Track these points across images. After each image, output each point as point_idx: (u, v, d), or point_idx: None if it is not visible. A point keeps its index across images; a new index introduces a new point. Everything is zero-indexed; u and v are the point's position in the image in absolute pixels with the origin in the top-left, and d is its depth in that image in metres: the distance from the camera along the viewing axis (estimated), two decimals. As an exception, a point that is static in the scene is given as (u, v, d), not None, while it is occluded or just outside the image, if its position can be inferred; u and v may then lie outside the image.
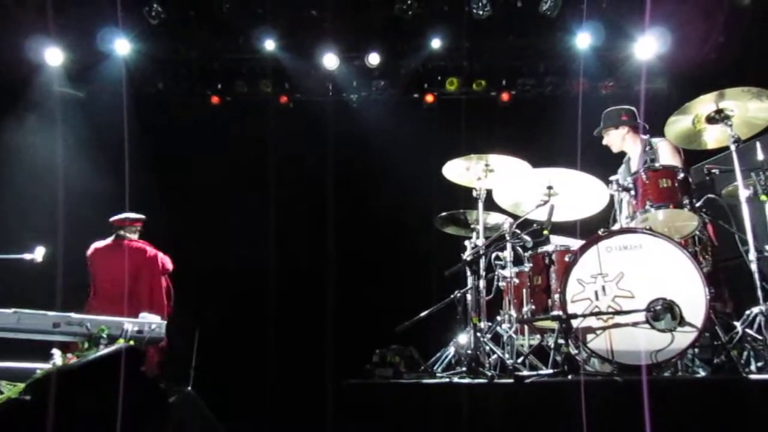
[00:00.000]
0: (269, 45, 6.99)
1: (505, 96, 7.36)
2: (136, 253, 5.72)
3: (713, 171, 4.07)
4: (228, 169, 7.17)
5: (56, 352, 4.20)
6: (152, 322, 4.59)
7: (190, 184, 7.13)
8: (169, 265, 5.86)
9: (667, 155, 4.50)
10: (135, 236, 5.85)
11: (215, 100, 7.44)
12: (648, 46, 6.71)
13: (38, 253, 4.54)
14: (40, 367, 4.13)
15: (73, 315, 4.36)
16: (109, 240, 5.77)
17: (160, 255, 5.82)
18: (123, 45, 6.83)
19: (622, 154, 4.96)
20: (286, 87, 7.44)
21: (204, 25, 6.97)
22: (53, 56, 6.83)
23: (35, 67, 6.82)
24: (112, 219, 5.82)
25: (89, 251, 5.72)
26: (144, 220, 5.92)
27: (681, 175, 3.78)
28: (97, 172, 6.64)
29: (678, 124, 3.87)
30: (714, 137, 3.91)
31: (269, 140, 7.16)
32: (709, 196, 3.92)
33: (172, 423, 4.64)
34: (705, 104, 3.72)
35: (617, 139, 4.86)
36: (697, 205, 3.79)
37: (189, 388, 5.10)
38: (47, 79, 6.94)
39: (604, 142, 4.92)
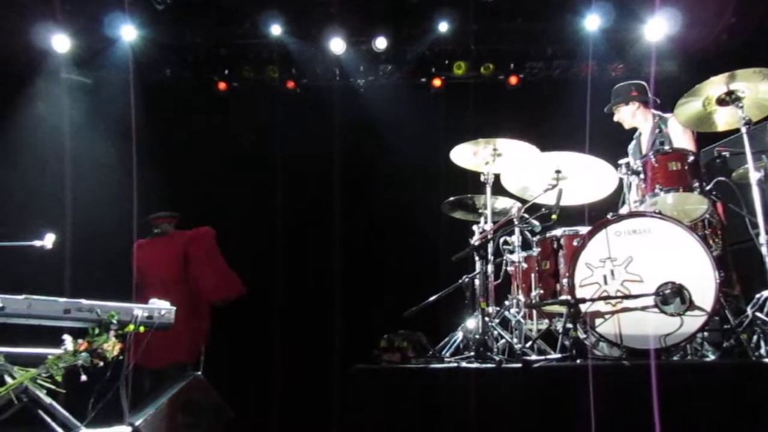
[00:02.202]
0: (275, 30, 6.95)
1: (513, 80, 7.28)
2: (177, 238, 5.89)
3: (724, 153, 4.04)
4: (235, 155, 7.16)
5: (67, 338, 4.24)
6: (161, 307, 4.62)
7: (197, 169, 7.14)
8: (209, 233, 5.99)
9: (678, 135, 4.47)
10: (171, 231, 6.01)
11: (222, 86, 7.41)
12: (658, 28, 6.62)
13: (48, 240, 4.55)
14: (51, 352, 4.18)
15: (83, 301, 4.38)
16: (149, 238, 5.91)
17: (202, 231, 5.95)
18: (129, 31, 6.81)
19: (631, 135, 4.92)
20: (292, 72, 7.39)
21: (210, 10, 6.93)
22: (60, 43, 6.81)
23: (43, 54, 6.81)
24: (149, 217, 5.97)
25: (134, 248, 5.86)
26: (179, 216, 6.06)
27: (691, 158, 3.75)
28: (104, 158, 6.67)
29: (688, 106, 3.83)
30: (725, 119, 3.87)
31: (276, 125, 7.15)
32: (720, 179, 3.89)
33: (183, 408, 4.70)
34: (715, 86, 3.67)
35: (628, 115, 4.83)
36: (708, 188, 3.76)
37: (199, 373, 5.15)
38: (55, 65, 6.93)
39: (615, 118, 4.90)
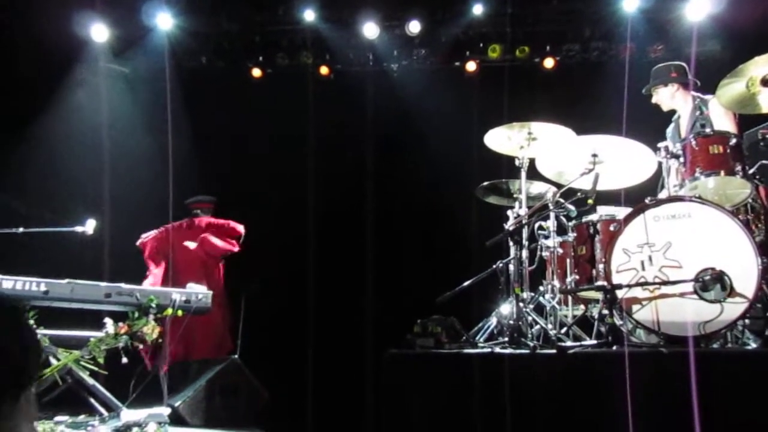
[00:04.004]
0: (309, 15, 6.95)
1: (549, 63, 7.16)
2: (203, 226, 6.05)
3: (768, 136, 3.91)
4: (269, 141, 7.21)
5: (108, 321, 4.36)
6: (199, 292, 4.71)
7: (233, 156, 7.21)
8: (239, 229, 6.10)
9: (719, 117, 4.34)
10: (208, 216, 6.13)
11: (256, 72, 7.46)
12: (700, 6, 6.41)
13: (89, 226, 4.67)
14: (93, 335, 4.31)
15: (123, 285, 4.50)
16: (184, 221, 6.06)
17: (231, 223, 6.05)
18: (165, 19, 6.89)
19: (670, 118, 4.81)
20: (326, 58, 7.40)
21: (244, -3, 7.00)
22: (99, 32, 6.94)
23: (82, 44, 6.94)
24: (187, 201, 6.11)
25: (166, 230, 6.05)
26: (216, 201, 6.18)
27: (733, 141, 3.64)
28: (142, 145, 6.78)
29: (730, 88, 3.72)
30: (769, 101, 3.74)
31: (310, 111, 7.16)
32: (763, 162, 3.77)
33: (221, 390, 4.81)
34: (760, 66, 3.56)
35: (667, 97, 4.70)
36: (750, 171, 3.65)
37: (236, 356, 5.24)
38: (93, 54, 7.06)
39: (654, 100, 4.78)
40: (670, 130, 4.78)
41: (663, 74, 4.70)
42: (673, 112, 4.79)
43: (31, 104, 6.51)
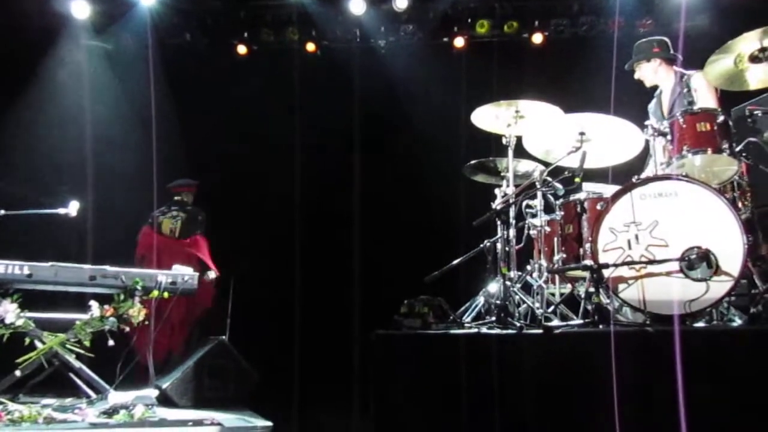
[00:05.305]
0: (294, -10, 6.85)
1: (537, 38, 7.09)
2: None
3: (755, 113, 3.87)
4: (255, 118, 7.13)
5: (94, 304, 4.33)
6: (185, 273, 4.68)
7: (218, 134, 7.13)
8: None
9: (702, 92, 4.29)
10: (190, 199, 6.05)
11: (242, 49, 7.35)
12: (689, -20, 6.37)
13: (72, 208, 4.62)
14: (79, 317, 4.28)
15: (108, 268, 4.47)
16: (164, 208, 6.00)
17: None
18: (148, -5, 6.77)
19: (653, 94, 4.78)
20: (312, 34, 7.30)
21: (228, -29, 6.87)
22: (80, 9, 6.81)
23: (63, 20, 6.81)
24: (169, 185, 6.03)
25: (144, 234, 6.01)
26: (198, 184, 6.10)
27: (720, 118, 3.61)
28: (124, 124, 6.70)
29: (718, 64, 3.68)
30: (757, 77, 3.69)
31: (296, 88, 7.08)
32: (751, 139, 3.75)
33: (209, 372, 4.81)
34: (748, 42, 3.52)
35: (649, 72, 4.65)
36: (738, 149, 3.64)
37: (224, 337, 5.24)
38: (75, 31, 6.93)
39: (636, 76, 4.73)
40: (652, 106, 4.74)
41: (645, 49, 4.65)
42: (656, 87, 4.75)
43: (11, 83, 6.40)
